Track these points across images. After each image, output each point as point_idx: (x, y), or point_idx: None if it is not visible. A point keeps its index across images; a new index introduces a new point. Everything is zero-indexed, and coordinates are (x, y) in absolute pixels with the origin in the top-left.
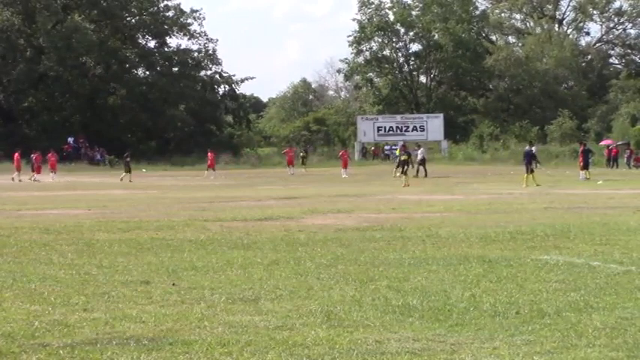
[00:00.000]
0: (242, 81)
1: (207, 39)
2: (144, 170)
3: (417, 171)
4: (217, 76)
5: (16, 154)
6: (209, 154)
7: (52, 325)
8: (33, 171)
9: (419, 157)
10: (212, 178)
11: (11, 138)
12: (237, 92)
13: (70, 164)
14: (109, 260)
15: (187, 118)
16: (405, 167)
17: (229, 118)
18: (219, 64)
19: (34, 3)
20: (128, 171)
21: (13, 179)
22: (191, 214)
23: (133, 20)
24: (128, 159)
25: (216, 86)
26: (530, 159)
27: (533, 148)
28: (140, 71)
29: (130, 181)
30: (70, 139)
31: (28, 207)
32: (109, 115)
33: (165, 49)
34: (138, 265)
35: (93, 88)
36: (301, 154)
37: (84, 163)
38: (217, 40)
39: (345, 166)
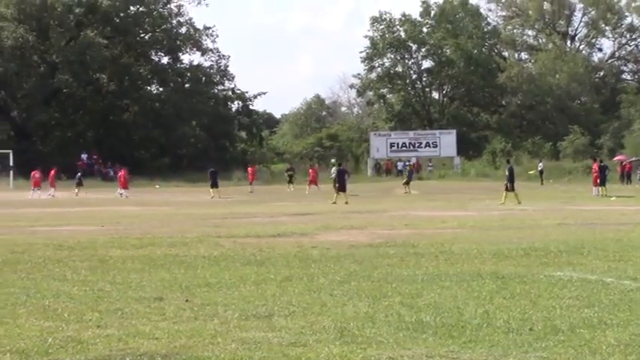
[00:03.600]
0: (255, 97)
1: (219, 55)
2: (157, 186)
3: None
4: (230, 92)
5: (36, 172)
6: (249, 169)
7: (66, 341)
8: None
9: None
10: (250, 192)
11: (25, 154)
12: (251, 108)
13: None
14: (122, 276)
15: (200, 134)
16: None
17: (242, 134)
18: (232, 80)
19: (48, 19)
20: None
21: (39, 196)
22: (204, 230)
23: (146, 37)
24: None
25: (229, 102)
26: (512, 176)
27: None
28: (153, 87)
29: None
30: (84, 156)
31: (42, 223)
32: (123, 132)
33: (178, 66)
34: (151, 282)
35: (106, 104)
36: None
37: (97, 180)
38: (229, 56)
39: (315, 183)
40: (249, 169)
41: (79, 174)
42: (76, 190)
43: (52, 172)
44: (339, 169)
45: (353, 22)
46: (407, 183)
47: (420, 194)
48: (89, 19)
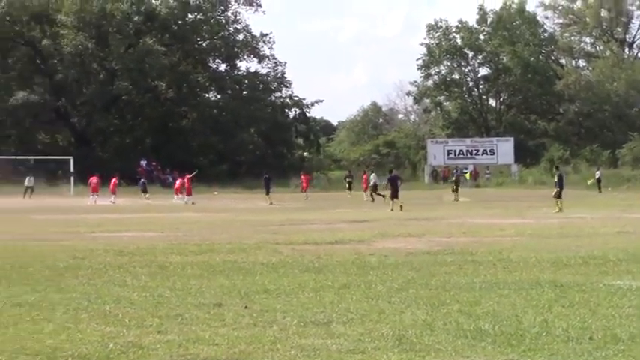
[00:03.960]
0: (312, 104)
1: (276, 62)
2: (215, 193)
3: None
4: (287, 99)
5: (94, 178)
6: (302, 177)
7: (127, 346)
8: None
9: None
10: (305, 199)
11: (85, 161)
12: (308, 115)
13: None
14: (181, 282)
15: (258, 141)
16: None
17: (300, 141)
18: (289, 87)
19: (107, 27)
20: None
21: (94, 202)
22: (262, 237)
23: (204, 44)
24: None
25: (286, 109)
26: (561, 183)
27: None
28: (211, 94)
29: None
30: (143, 162)
31: (103, 229)
32: (181, 138)
33: (236, 73)
34: (210, 288)
35: (165, 111)
36: (347, 179)
37: (156, 186)
38: (286, 62)
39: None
40: (303, 176)
41: (142, 180)
42: (146, 196)
43: (114, 179)
44: (392, 176)
45: (410, 29)
46: (455, 190)
47: (474, 202)
48: (148, 26)
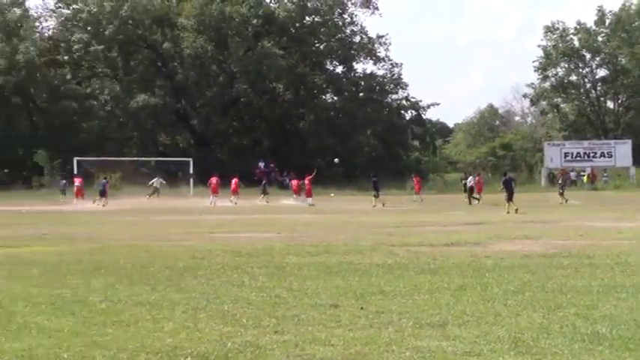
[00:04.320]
0: (428, 106)
1: (392, 64)
2: (332, 195)
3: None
4: (404, 101)
5: (213, 178)
6: (415, 178)
7: (244, 346)
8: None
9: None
10: (420, 201)
11: (205, 162)
12: (424, 117)
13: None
14: (298, 283)
15: (374, 143)
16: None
17: (416, 143)
18: (405, 88)
19: (226, 30)
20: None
21: (211, 203)
22: (378, 238)
23: (321, 46)
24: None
25: (402, 111)
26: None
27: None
28: (328, 96)
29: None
30: (261, 164)
31: (221, 230)
32: (298, 140)
33: (353, 75)
34: (326, 289)
35: (282, 113)
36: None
37: (273, 188)
38: (402, 64)
39: (479, 191)
40: (415, 178)
41: (263, 182)
42: (264, 197)
43: (235, 180)
44: (506, 179)
45: (526, 31)
46: (561, 193)
47: (591, 204)
48: (266, 29)
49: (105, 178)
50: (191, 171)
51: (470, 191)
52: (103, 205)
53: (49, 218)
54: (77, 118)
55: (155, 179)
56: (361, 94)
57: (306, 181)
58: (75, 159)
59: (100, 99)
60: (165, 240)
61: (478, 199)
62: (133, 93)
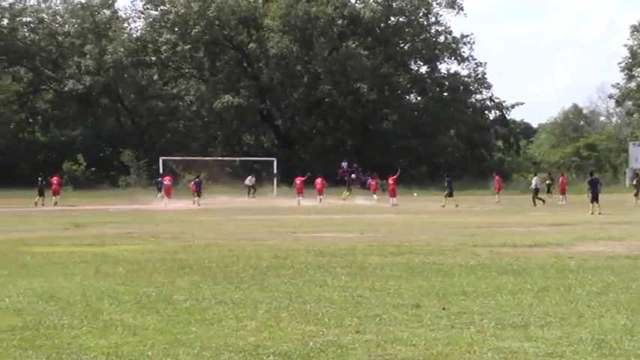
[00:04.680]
0: (512, 107)
1: (476, 63)
2: (415, 194)
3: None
4: (488, 101)
5: (298, 179)
6: (496, 177)
7: (326, 345)
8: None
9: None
10: (498, 201)
11: (288, 162)
12: (507, 118)
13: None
14: (380, 283)
15: (458, 143)
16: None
17: (499, 144)
18: (489, 89)
19: (312, 31)
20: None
21: (299, 202)
22: (461, 239)
23: (406, 46)
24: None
25: (486, 111)
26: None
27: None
28: (412, 97)
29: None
30: (344, 164)
31: (304, 230)
32: (381, 140)
33: (437, 75)
34: (409, 289)
35: (366, 113)
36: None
37: (356, 188)
38: (486, 63)
39: (562, 192)
40: (496, 177)
41: (352, 176)
42: (346, 194)
43: (321, 180)
44: (592, 179)
45: (612, 31)
46: (636, 194)
47: None
48: (351, 30)
49: (198, 177)
50: (275, 171)
51: (535, 192)
52: (199, 205)
53: (135, 217)
54: (163, 118)
55: (248, 178)
56: (445, 94)
57: (390, 181)
58: (161, 158)
59: (186, 99)
60: (249, 239)
61: (544, 201)
62: (219, 93)
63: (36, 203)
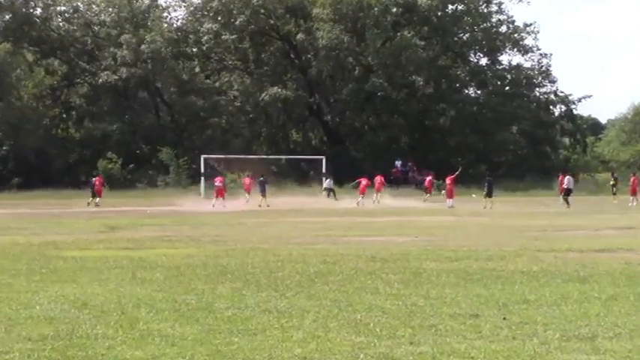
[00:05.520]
0: (579, 100)
1: (540, 54)
2: (473, 195)
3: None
4: (552, 95)
5: (363, 179)
6: (560, 176)
7: (378, 358)
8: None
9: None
10: (560, 203)
11: (338, 160)
12: (574, 113)
13: (397, 189)
14: (436, 291)
15: (520, 140)
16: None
17: (565, 141)
18: (554, 82)
19: (364, 20)
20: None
21: (358, 204)
22: (523, 243)
23: (465, 37)
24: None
25: (551, 106)
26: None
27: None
28: (471, 90)
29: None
30: (398, 162)
31: (354, 233)
32: (438, 137)
33: (498, 67)
34: (466, 297)
35: (422, 108)
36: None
37: (411, 188)
38: (551, 54)
39: (634, 194)
40: (561, 176)
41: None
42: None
43: (380, 178)
44: None
45: None
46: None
47: None
48: (406, 19)
49: (262, 176)
50: (324, 169)
51: (566, 193)
52: (268, 205)
53: (174, 219)
54: (204, 113)
55: (327, 181)
56: (507, 88)
57: (447, 181)
58: (202, 157)
59: (229, 94)
60: (296, 243)
61: (568, 204)
62: (264, 86)
63: (88, 204)
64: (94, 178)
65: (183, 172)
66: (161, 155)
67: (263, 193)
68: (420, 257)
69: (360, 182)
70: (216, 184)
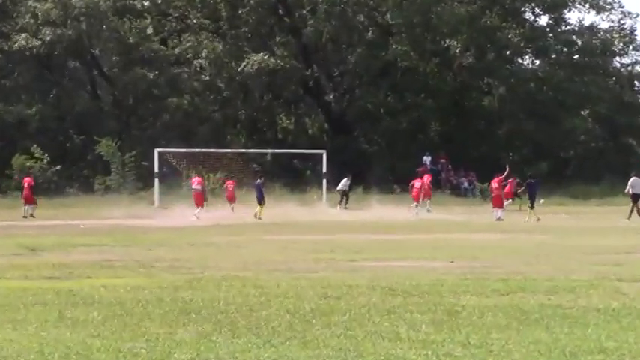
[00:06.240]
0: None
1: (622, 12)
2: (541, 201)
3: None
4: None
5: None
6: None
7: None
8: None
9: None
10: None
11: (343, 154)
12: None
13: None
14: (479, 336)
15: (594, 128)
16: None
17: None
18: None
19: None
20: None
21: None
22: (598, 270)
23: None
24: None
25: (636, 82)
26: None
27: None
28: (527, 60)
29: None
30: (427, 159)
31: (366, 256)
32: (481, 125)
33: (563, 29)
34: (520, 345)
35: (459, 84)
36: None
37: (445, 193)
38: (637, 15)
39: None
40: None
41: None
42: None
43: (428, 177)
44: None
45: None
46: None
47: None
48: None
49: (260, 177)
50: (324, 168)
51: (634, 199)
52: (260, 218)
53: (117, 237)
54: (159, 91)
55: (343, 181)
56: (575, 57)
57: (494, 185)
58: (156, 151)
59: (195, 64)
60: (285, 270)
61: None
62: (242, 54)
63: (25, 217)
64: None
65: (130, 172)
66: (100, 149)
67: (261, 200)
68: (456, 289)
69: (412, 185)
70: (193, 187)
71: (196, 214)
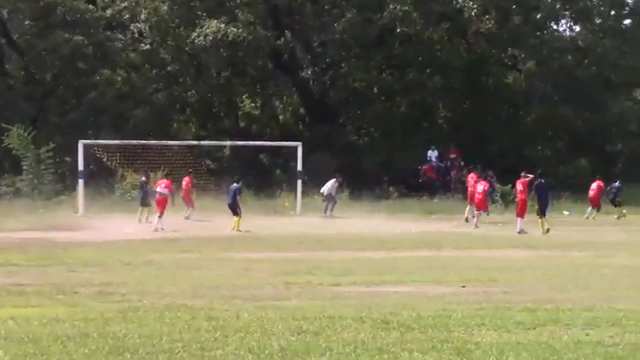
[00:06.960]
0: None
1: None
2: (566, 213)
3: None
4: None
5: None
6: None
7: None
8: None
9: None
10: None
11: (323, 148)
12: None
13: (431, 199)
14: None
15: None
16: None
17: None
18: None
19: None
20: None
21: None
22: None
23: None
24: None
25: None
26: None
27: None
28: (562, 25)
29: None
30: (432, 154)
31: (352, 279)
32: (504, 110)
33: None
34: None
35: (475, 58)
36: None
37: (456, 197)
38: None
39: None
40: None
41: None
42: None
43: (484, 186)
44: None
45: None
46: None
47: None
48: None
49: (237, 180)
50: (299, 166)
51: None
52: (240, 230)
53: (31, 255)
54: (85, 64)
55: (329, 183)
56: (626, 22)
57: (519, 187)
58: (81, 142)
59: (131, 29)
60: (249, 298)
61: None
62: (195, 19)
63: None
64: None
65: (47, 171)
66: (7, 140)
67: (236, 208)
68: (468, 322)
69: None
70: (158, 190)
71: (155, 221)
